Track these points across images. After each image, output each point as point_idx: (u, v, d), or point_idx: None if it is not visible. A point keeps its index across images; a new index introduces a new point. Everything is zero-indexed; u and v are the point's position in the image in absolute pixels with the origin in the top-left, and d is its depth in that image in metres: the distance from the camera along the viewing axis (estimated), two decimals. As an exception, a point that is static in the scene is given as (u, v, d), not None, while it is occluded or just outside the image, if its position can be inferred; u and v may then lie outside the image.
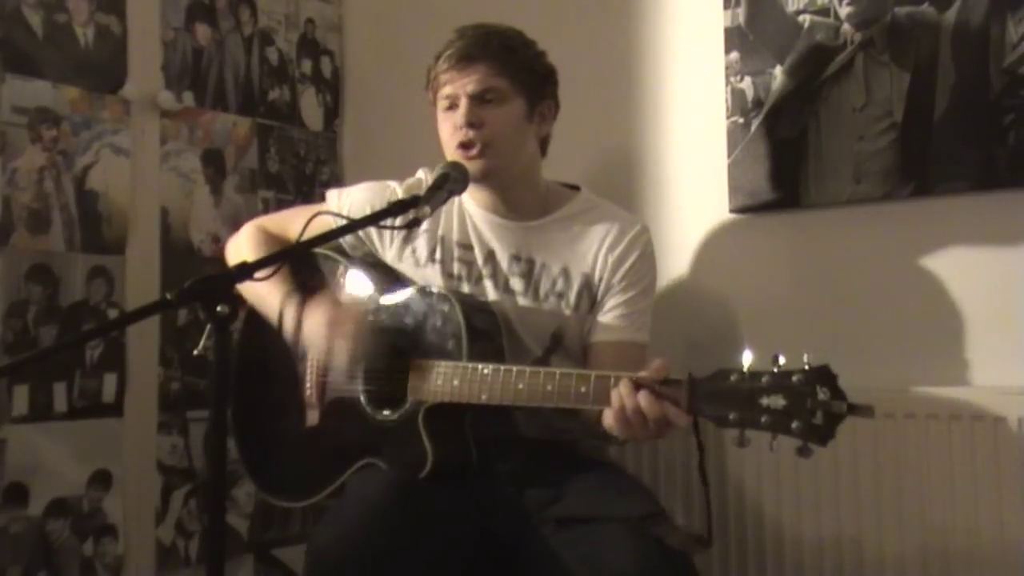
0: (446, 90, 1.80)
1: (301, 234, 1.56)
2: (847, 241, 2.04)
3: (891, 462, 1.87)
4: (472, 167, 1.75)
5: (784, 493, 1.99)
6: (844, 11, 2.00)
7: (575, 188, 1.94)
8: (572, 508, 1.68)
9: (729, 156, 2.14)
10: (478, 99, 1.78)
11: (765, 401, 1.37)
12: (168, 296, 1.31)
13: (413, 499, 1.66)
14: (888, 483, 1.87)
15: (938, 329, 1.93)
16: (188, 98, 2.52)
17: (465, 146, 1.78)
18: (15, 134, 2.20)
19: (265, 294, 1.83)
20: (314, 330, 1.75)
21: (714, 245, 2.21)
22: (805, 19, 2.05)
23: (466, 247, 1.88)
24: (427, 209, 1.62)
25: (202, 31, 2.58)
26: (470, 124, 1.77)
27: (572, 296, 1.84)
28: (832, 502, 1.93)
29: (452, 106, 1.80)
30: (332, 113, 2.89)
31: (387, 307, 1.82)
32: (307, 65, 2.84)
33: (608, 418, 1.52)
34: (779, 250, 2.13)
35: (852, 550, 1.91)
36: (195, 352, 1.86)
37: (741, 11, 2.12)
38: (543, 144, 1.91)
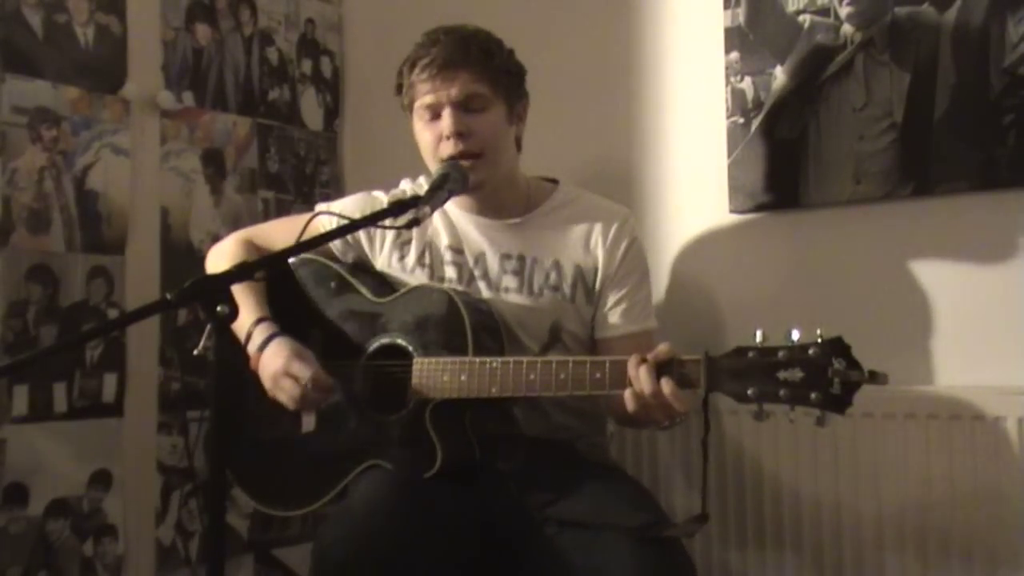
0: (427, 99, 1.78)
1: (300, 235, 1.56)
2: (847, 241, 2.04)
3: (892, 462, 1.87)
4: (471, 180, 1.76)
5: (785, 495, 1.99)
6: (844, 11, 2.00)
7: (554, 181, 1.95)
8: (573, 512, 1.68)
9: (729, 156, 2.14)
10: (462, 107, 1.77)
11: (783, 375, 1.40)
12: (168, 296, 1.32)
13: (418, 498, 1.66)
14: (889, 483, 1.88)
15: (938, 329, 1.93)
16: (188, 98, 2.52)
17: (462, 159, 1.76)
18: (15, 134, 2.20)
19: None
20: (267, 374, 1.76)
21: (714, 245, 2.21)
22: (805, 19, 2.05)
23: (457, 251, 1.88)
24: (427, 209, 1.62)
25: (202, 31, 2.58)
26: (458, 134, 1.76)
27: (567, 288, 1.84)
28: (833, 502, 1.93)
29: (435, 116, 1.79)
30: (332, 113, 2.89)
31: (385, 306, 1.82)
32: (307, 65, 2.84)
33: (628, 402, 1.52)
34: (779, 250, 2.13)
35: (853, 550, 1.91)
36: (195, 352, 1.86)
37: (741, 11, 2.12)
38: (518, 142, 1.91)
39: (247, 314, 1.81)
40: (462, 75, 1.76)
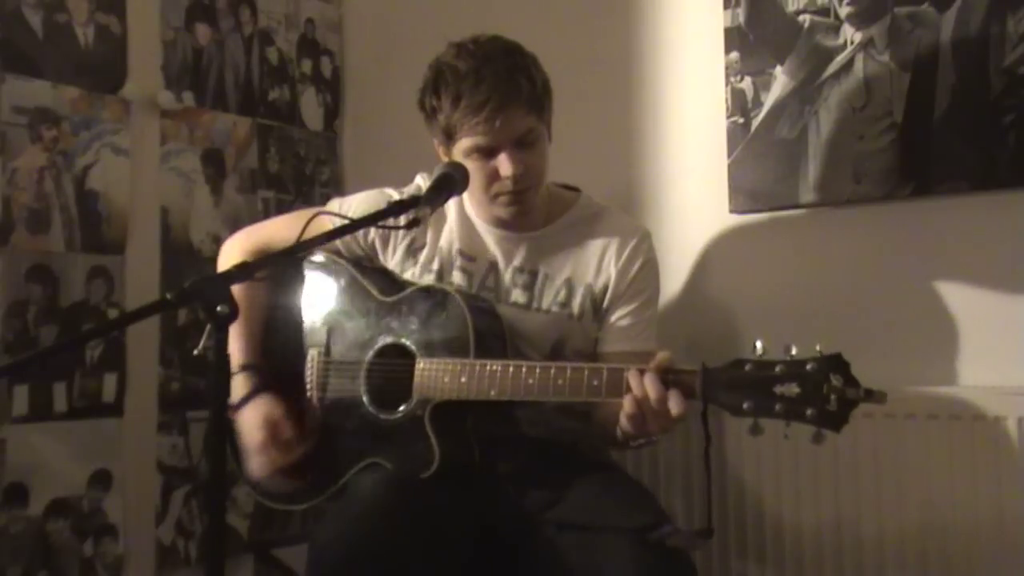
0: (480, 140, 1.71)
1: (300, 235, 1.56)
2: (847, 241, 2.04)
3: (892, 462, 1.87)
4: (518, 211, 1.77)
5: (784, 494, 1.99)
6: (844, 11, 2.00)
7: (575, 190, 1.94)
8: (573, 513, 1.68)
9: (729, 156, 2.14)
10: (518, 145, 1.73)
11: (779, 389, 1.39)
12: (168, 296, 1.31)
13: (415, 498, 1.65)
14: (889, 483, 1.88)
15: (938, 329, 1.93)
16: (188, 98, 2.52)
17: (517, 194, 1.75)
18: (15, 134, 2.20)
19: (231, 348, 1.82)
20: (245, 441, 1.78)
21: (714, 246, 2.21)
22: (805, 19, 2.05)
23: (470, 258, 1.87)
24: (427, 209, 1.62)
25: (202, 31, 2.58)
26: (521, 174, 1.73)
27: (575, 306, 1.83)
28: (833, 503, 1.93)
29: (489, 155, 1.73)
30: (332, 113, 2.89)
31: (392, 305, 1.82)
32: (307, 65, 2.84)
33: (627, 406, 1.51)
34: (779, 250, 2.12)
35: (853, 551, 1.91)
36: (195, 352, 1.86)
37: (741, 11, 2.12)
38: None
39: (234, 354, 1.75)
40: (517, 113, 1.71)
